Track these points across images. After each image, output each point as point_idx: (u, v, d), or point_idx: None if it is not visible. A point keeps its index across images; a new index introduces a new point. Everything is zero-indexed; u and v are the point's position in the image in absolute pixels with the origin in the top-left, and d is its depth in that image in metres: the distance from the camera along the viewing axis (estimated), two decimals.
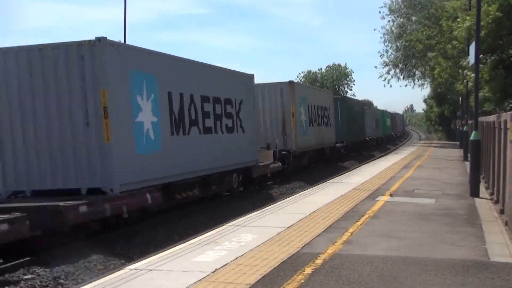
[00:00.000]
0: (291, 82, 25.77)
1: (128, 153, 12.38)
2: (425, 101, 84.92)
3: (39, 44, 12.17)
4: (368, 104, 63.29)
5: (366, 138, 46.89)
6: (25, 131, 12.14)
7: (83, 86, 11.86)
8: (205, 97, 16.28)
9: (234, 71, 19.60)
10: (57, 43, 12.15)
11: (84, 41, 11.98)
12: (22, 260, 10.42)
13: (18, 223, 9.67)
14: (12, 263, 10.23)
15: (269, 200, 17.75)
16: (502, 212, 10.64)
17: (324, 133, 30.85)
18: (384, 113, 65.67)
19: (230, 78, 18.80)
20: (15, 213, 10.00)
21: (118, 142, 12.01)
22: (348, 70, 74.15)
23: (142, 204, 13.02)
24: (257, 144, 20.57)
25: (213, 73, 17.46)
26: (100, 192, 11.95)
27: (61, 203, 10.70)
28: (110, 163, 11.87)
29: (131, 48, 13.45)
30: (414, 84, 50.05)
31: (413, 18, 46.05)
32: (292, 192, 18.71)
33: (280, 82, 25.54)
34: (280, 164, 22.43)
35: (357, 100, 49.23)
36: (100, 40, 11.87)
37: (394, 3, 46.74)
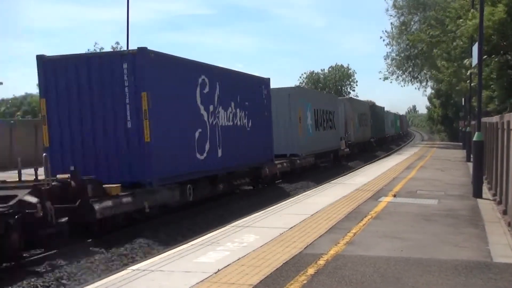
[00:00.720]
0: (351, 98, 43.42)
1: (306, 138, 25.60)
2: (429, 99, 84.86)
3: (275, 88, 22.98)
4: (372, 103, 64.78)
5: (386, 136, 61.21)
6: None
7: (289, 107, 24.12)
8: (323, 110, 29.82)
9: (332, 94, 38.40)
10: (276, 89, 23.60)
11: (287, 87, 25.57)
12: (24, 260, 10.44)
13: (285, 164, 22.75)
14: (14, 263, 10.24)
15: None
16: (505, 213, 10.62)
17: (365, 131, 44.10)
18: (395, 115, 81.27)
19: (330, 98, 36.04)
20: (281, 160, 22.42)
21: (303, 133, 25.15)
22: (350, 71, 74.03)
23: (310, 163, 26.25)
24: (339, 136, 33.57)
25: (326, 95, 37.41)
26: (295, 155, 24.13)
27: (293, 158, 23.85)
28: (299, 142, 24.65)
29: (301, 88, 33.02)
30: (419, 84, 50.17)
31: (416, 18, 46.02)
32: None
33: (344, 98, 41.70)
34: (349, 149, 35.37)
35: (380, 106, 60.38)
36: (295, 88, 27.90)
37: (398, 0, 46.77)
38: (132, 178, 13.11)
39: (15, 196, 10.14)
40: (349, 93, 72.82)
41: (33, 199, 10.14)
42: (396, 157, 31.34)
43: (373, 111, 49.76)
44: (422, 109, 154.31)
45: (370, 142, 46.12)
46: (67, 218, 10.71)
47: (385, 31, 48.57)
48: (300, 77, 73.96)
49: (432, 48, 36.55)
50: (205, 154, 15.58)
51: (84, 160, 13.04)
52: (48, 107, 13.54)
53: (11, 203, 9.92)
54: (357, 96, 73.48)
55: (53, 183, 10.92)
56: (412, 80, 49.21)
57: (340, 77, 72.87)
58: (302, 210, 11.53)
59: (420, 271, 6.84)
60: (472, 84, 25.08)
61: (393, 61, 48.22)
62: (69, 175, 11.48)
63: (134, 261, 10.35)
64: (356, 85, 75.38)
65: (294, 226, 9.76)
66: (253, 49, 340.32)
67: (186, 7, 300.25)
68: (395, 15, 47.06)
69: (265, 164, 20.56)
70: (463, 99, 38.45)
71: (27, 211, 9.89)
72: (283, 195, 18.55)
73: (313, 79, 72.38)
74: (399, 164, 24.63)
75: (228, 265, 7.17)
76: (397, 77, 48.40)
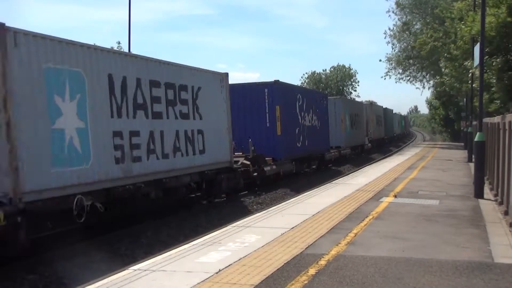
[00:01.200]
0: (371, 103, 50.83)
1: (346, 135, 35.04)
2: (429, 103, 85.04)
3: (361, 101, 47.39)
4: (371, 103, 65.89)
5: (394, 134, 71.09)
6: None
7: (335, 112, 33.09)
8: (355, 113, 39.08)
9: (360, 101, 49.02)
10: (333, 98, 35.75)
11: (334, 98, 36.29)
12: (26, 260, 10.45)
13: (336, 153, 31.76)
14: (16, 263, 10.26)
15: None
16: (506, 213, 10.61)
17: (380, 131, 53.71)
18: (401, 116, 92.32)
19: (358, 104, 45.12)
20: (333, 150, 31.88)
21: (344, 131, 34.56)
22: (352, 71, 74.01)
23: (348, 153, 35.43)
24: (363, 134, 43.17)
25: (356, 102, 46.12)
26: (338, 147, 32.82)
27: (338, 149, 32.78)
28: (342, 138, 33.91)
29: (343, 98, 42.53)
30: (420, 83, 50.32)
31: (418, 18, 46.04)
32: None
33: (366, 103, 49.31)
34: (370, 144, 45.11)
35: (390, 109, 68.55)
36: (339, 98, 38.32)
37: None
38: (271, 155, 21.95)
39: (238, 161, 19.61)
40: (351, 93, 72.92)
41: (247, 162, 19.98)
42: (398, 158, 31.33)
43: (385, 113, 59.81)
44: (424, 109, 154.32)
45: (383, 139, 56.56)
46: (256, 173, 20.36)
47: (389, 28, 48.89)
48: (302, 77, 74.13)
49: (434, 51, 36.51)
50: (300, 143, 25.37)
51: (246, 146, 20.70)
52: None
53: (239, 163, 19.48)
54: (358, 96, 73.99)
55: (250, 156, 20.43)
56: (412, 79, 49.33)
57: (341, 78, 72.87)
58: (303, 210, 11.53)
59: (421, 271, 6.85)
60: (473, 85, 25.06)
61: (393, 60, 48.35)
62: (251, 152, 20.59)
63: (135, 260, 10.35)
64: (358, 85, 75.51)
65: (296, 226, 9.77)
66: (254, 49, 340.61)
67: (186, 7, 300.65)
68: (399, 14, 47.17)
69: (325, 152, 30.03)
70: (464, 99, 38.45)
71: (243, 168, 19.54)
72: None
73: (315, 79, 72.36)
74: (401, 165, 24.61)
75: (229, 265, 7.17)
76: (398, 73, 48.65)
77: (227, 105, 18.28)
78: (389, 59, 48.70)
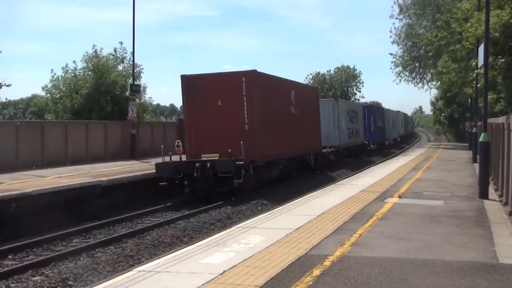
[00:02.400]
0: (399, 111, 71.31)
1: (395, 131, 64.01)
2: (432, 104, 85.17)
3: (389, 110, 63.49)
4: (377, 105, 67.87)
5: (409, 132, 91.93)
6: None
7: (387, 117, 57.80)
8: (393, 118, 62.59)
9: (398, 111, 71.68)
10: (389, 110, 63.46)
11: (395, 111, 68.51)
12: (31, 261, 10.50)
13: (394, 140, 63.14)
14: (21, 264, 10.31)
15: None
16: (511, 214, 10.59)
17: (402, 129, 73.07)
18: (410, 118, 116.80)
19: (397, 112, 68.81)
20: (390, 140, 61.15)
21: (394, 129, 63.88)
22: (356, 72, 73.94)
23: (396, 141, 64.67)
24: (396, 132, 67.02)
25: (396, 112, 69.03)
26: (387, 139, 58.80)
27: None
28: (392, 133, 60.60)
29: (390, 111, 62.46)
30: (426, 84, 50.50)
31: (423, 22, 46.02)
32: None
33: (397, 111, 69.22)
34: (399, 138, 67.43)
35: (405, 113, 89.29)
36: (397, 111, 69.58)
37: (404, 1, 46.87)
38: (370, 140, 44.78)
39: (363, 141, 42.85)
40: (355, 94, 73.02)
41: (366, 142, 43.81)
42: (403, 158, 31.27)
43: (405, 117, 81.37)
44: (428, 110, 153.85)
45: (404, 135, 75.75)
46: (368, 148, 44.34)
47: (394, 28, 49.02)
48: (306, 78, 74.05)
49: (439, 51, 36.38)
50: (377, 135, 48.36)
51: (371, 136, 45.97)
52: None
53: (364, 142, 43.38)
54: (363, 97, 74.45)
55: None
56: (419, 81, 49.42)
57: (346, 78, 72.77)
58: (308, 211, 11.53)
59: (426, 272, 6.84)
60: (478, 85, 25.00)
61: (400, 60, 48.45)
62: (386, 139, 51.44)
63: (140, 262, 10.39)
64: (362, 86, 75.39)
65: (300, 227, 9.77)
66: (258, 50, 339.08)
67: (190, 9, 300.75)
68: (402, 16, 47.13)
69: (385, 141, 52.62)
70: (469, 100, 38.38)
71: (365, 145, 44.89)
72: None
73: (319, 80, 72.29)
74: (405, 165, 24.57)
75: (234, 266, 7.18)
76: (407, 78, 48.97)
77: (362, 117, 40.99)
78: (396, 65, 48.91)
